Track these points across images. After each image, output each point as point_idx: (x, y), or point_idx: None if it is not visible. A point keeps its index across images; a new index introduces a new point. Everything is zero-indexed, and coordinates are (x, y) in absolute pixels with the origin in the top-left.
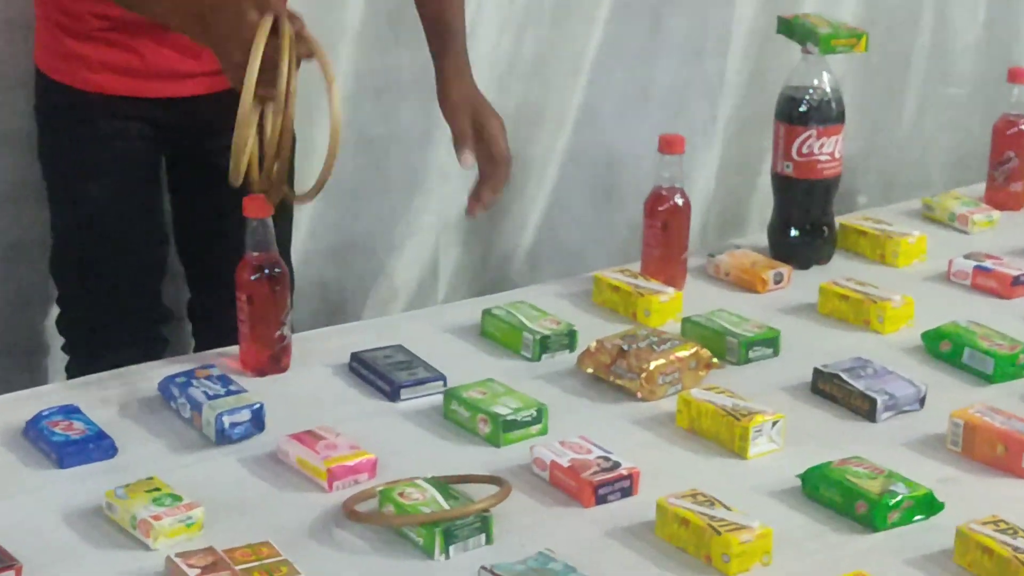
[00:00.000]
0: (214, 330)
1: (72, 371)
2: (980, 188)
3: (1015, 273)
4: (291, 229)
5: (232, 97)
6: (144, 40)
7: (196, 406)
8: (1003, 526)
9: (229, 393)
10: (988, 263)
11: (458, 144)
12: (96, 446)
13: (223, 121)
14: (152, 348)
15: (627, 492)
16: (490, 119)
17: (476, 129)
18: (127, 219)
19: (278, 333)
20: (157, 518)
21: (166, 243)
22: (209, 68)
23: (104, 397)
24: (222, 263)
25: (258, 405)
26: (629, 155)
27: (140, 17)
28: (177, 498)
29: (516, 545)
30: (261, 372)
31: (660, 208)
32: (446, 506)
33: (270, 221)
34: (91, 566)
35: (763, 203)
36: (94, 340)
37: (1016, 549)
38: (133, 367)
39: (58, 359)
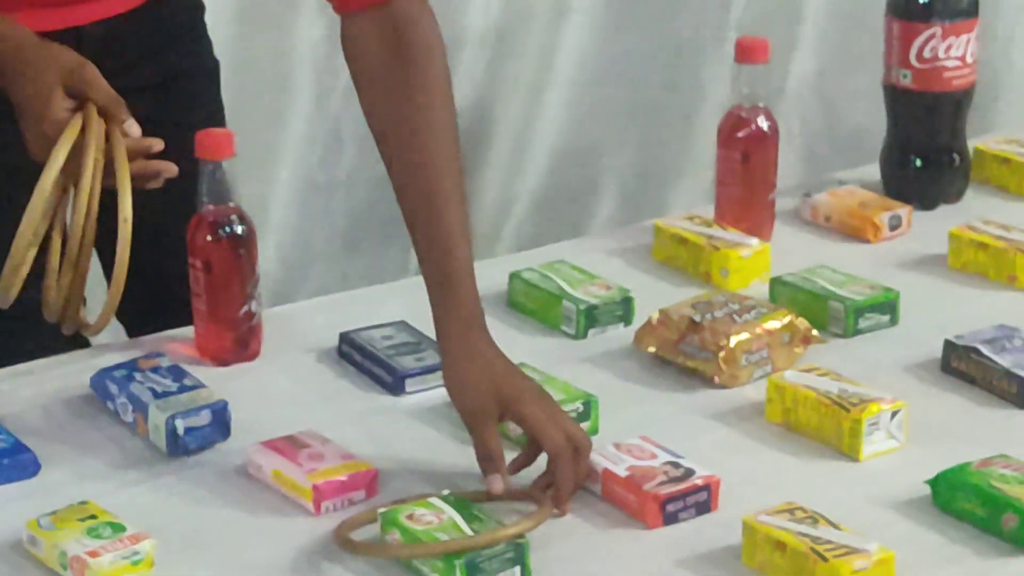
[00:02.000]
0: (143, 321)
1: None
2: None
3: None
4: None
5: (149, 19)
6: None
7: (140, 407)
8: None
9: (183, 389)
10: None
11: (483, 460)
12: (12, 462)
13: (135, 50)
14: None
15: (704, 508)
16: (527, 405)
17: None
18: (17, 193)
19: (244, 309)
20: (94, 554)
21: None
22: None
23: (23, 399)
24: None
25: (221, 404)
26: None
27: None
28: (119, 528)
29: None
30: (224, 360)
31: (739, 134)
32: (469, 531)
33: (225, 166)
34: None
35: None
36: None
37: None
38: (57, 358)
39: None
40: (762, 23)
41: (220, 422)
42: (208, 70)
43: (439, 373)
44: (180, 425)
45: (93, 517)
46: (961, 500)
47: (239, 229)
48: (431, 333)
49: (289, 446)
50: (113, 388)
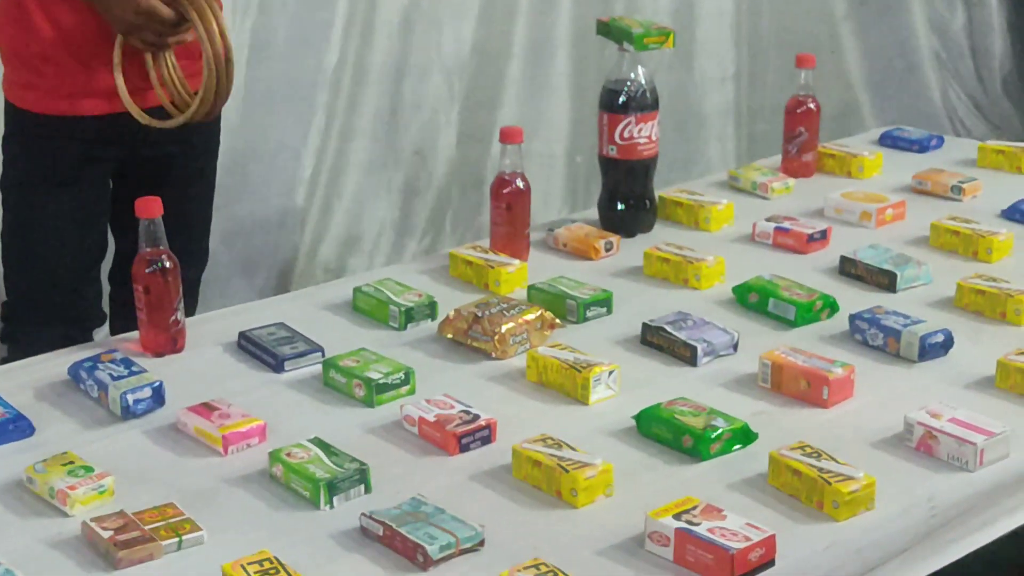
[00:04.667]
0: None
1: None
2: (777, 160)
3: (809, 231)
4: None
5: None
6: (87, 63)
7: (103, 387)
8: (809, 450)
9: (132, 374)
10: (786, 224)
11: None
12: (15, 427)
13: (156, 130)
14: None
15: (486, 440)
16: None
17: None
18: (67, 222)
19: (172, 318)
20: (73, 488)
21: (104, 243)
22: (137, 85)
23: (21, 383)
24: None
25: (158, 383)
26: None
27: (86, 40)
28: (89, 469)
29: (392, 493)
30: (159, 353)
31: (504, 191)
32: (329, 463)
33: (160, 220)
34: (16, 534)
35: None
36: (33, 335)
37: (821, 470)
38: (44, 355)
39: None
40: None
41: (158, 395)
42: (213, 149)
43: (309, 356)
44: (130, 398)
45: (71, 463)
46: (656, 428)
47: (167, 264)
48: (302, 330)
49: (205, 409)
50: (83, 374)
